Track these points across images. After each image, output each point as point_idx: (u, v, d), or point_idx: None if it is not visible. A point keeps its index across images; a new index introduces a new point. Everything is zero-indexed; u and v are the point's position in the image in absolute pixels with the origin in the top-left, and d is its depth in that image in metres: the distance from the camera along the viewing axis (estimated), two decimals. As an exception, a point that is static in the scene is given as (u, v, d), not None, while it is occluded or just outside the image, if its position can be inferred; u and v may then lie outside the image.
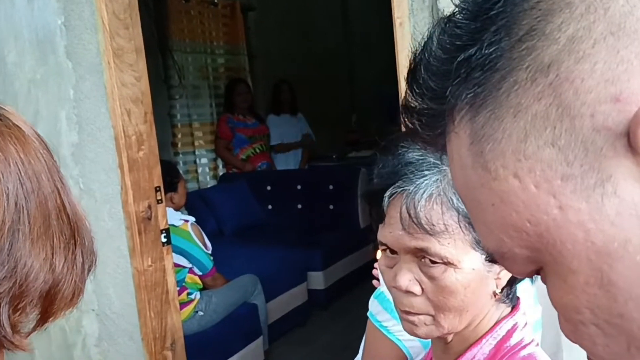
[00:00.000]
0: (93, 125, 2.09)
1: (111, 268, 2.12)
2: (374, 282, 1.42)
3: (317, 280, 4.03)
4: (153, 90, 2.21)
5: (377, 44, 4.47)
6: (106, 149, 2.08)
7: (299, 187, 4.61)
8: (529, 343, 0.80)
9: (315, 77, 5.55)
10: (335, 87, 5.98)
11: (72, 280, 0.61)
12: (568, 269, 0.33)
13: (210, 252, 2.89)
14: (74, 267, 0.62)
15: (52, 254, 0.59)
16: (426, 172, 0.76)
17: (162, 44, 4.32)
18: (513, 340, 0.79)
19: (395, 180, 0.77)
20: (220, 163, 4.86)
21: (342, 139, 6.05)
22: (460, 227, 0.74)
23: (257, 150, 4.83)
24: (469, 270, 0.75)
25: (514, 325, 0.80)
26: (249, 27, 5.08)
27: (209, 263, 2.85)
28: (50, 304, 0.61)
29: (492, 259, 0.38)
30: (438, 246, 0.74)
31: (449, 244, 0.74)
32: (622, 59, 0.31)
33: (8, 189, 0.55)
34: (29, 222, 0.56)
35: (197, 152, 4.72)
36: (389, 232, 0.78)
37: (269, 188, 4.62)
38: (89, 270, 0.65)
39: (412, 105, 0.41)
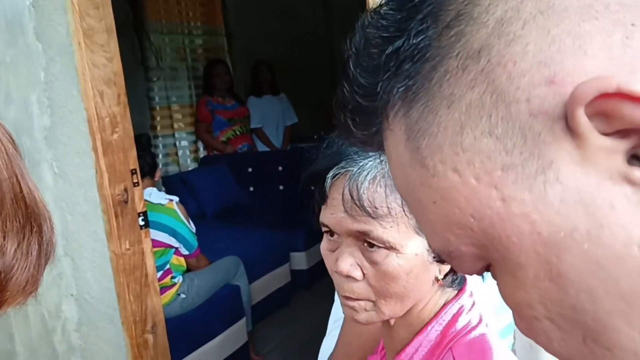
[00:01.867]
0: (65, 108, 2.05)
1: (88, 252, 2.10)
2: None
3: (300, 260, 4.03)
4: (130, 73, 2.18)
5: (356, 23, 4.43)
6: (79, 132, 2.04)
7: (280, 168, 4.59)
8: (477, 325, 0.77)
9: (296, 58, 5.50)
10: (315, 68, 5.94)
11: (26, 267, 0.61)
12: (516, 264, 0.32)
13: (194, 232, 2.89)
14: (29, 254, 0.61)
15: (4, 237, 0.58)
16: (371, 154, 0.74)
17: (138, 26, 4.25)
18: (459, 325, 0.77)
19: (339, 161, 0.75)
20: (200, 145, 4.82)
21: (323, 119, 6.02)
22: (404, 211, 0.72)
23: (238, 133, 4.79)
24: (412, 255, 0.73)
25: (460, 308, 0.78)
26: (226, 8, 5.01)
27: (194, 242, 2.84)
28: (1, 290, 0.60)
29: (439, 258, 0.37)
30: (380, 230, 0.72)
31: (391, 227, 0.72)
32: (553, 38, 0.29)
33: None
34: None
35: (176, 135, 4.68)
36: (331, 213, 0.76)
37: (250, 170, 4.60)
38: (46, 260, 0.64)
39: (344, 103, 0.39)
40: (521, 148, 0.30)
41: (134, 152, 2.14)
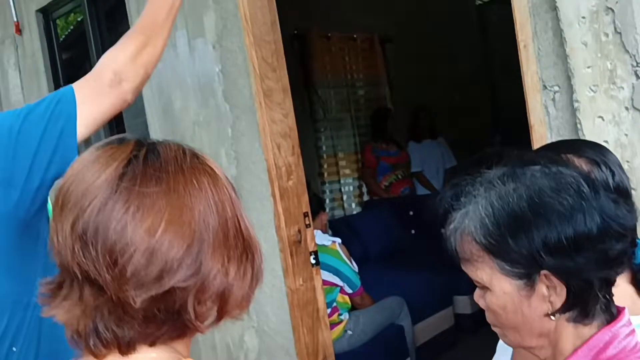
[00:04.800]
0: (249, 159, 2.35)
1: (268, 288, 2.34)
2: None
3: (464, 304, 4.00)
4: (300, 125, 2.42)
5: (517, 61, 4.41)
6: (260, 180, 2.32)
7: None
8: (634, 350, 0.79)
9: (456, 100, 5.57)
10: (476, 108, 5.94)
11: (242, 287, 0.78)
12: None
13: (357, 271, 3.05)
14: (245, 276, 0.78)
15: (228, 262, 0.76)
16: (462, 204, 0.84)
17: (307, 82, 4.62)
18: (610, 351, 0.79)
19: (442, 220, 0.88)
20: (365, 190, 5.04)
21: (485, 161, 5.96)
22: (485, 255, 0.82)
23: (399, 177, 4.95)
24: (501, 293, 0.82)
25: (612, 336, 0.80)
26: (387, 58, 5.25)
27: (357, 281, 3.00)
28: (225, 303, 0.77)
29: None
30: (473, 271, 0.84)
31: (480, 269, 0.83)
32: None
33: (199, 209, 0.73)
34: (212, 235, 0.74)
35: (342, 181, 4.94)
36: None
37: (411, 213, 4.70)
38: (256, 283, 0.81)
39: None
40: None
41: (306, 197, 2.37)
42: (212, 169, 0.80)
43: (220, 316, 0.80)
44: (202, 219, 0.74)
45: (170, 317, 0.73)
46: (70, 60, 3.60)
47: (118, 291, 0.70)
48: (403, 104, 5.31)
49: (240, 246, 0.78)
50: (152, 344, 0.74)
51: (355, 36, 4.93)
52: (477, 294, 0.88)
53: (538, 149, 1.18)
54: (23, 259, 1.03)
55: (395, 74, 5.31)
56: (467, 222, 0.82)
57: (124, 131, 3.12)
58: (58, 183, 0.78)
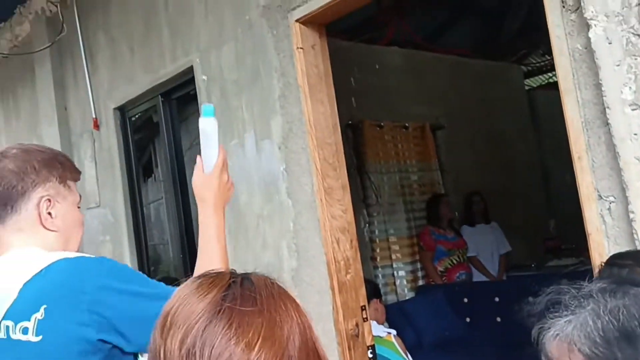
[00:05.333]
0: (308, 252, 2.44)
1: (325, 381, 2.37)
2: None
3: (523, 397, 3.88)
4: (353, 210, 2.51)
5: (568, 145, 4.44)
6: (319, 273, 2.40)
7: (496, 299, 4.57)
8: None
9: (509, 185, 5.59)
10: (530, 194, 5.93)
11: None
12: None
13: (412, 364, 3.04)
14: None
15: None
16: (563, 313, 0.87)
17: (360, 168, 4.76)
18: None
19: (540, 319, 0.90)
20: (419, 274, 5.02)
21: (540, 246, 5.89)
22: None
23: (454, 262, 4.93)
24: None
25: None
26: (439, 145, 5.36)
27: (413, 375, 2.99)
28: None
29: None
30: None
31: None
32: None
33: (288, 328, 0.82)
34: (297, 353, 0.83)
35: (394, 265, 4.95)
36: None
37: (466, 300, 4.65)
38: None
39: None
40: None
41: (363, 290, 2.43)
42: (290, 295, 0.90)
43: None
44: (290, 337, 0.83)
45: None
46: (140, 141, 3.84)
47: None
48: (455, 188, 5.37)
49: None
50: None
51: (407, 125, 5.08)
52: None
53: (619, 259, 1.22)
54: None
55: (447, 160, 5.41)
56: (571, 330, 0.85)
57: (190, 218, 3.29)
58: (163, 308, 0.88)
